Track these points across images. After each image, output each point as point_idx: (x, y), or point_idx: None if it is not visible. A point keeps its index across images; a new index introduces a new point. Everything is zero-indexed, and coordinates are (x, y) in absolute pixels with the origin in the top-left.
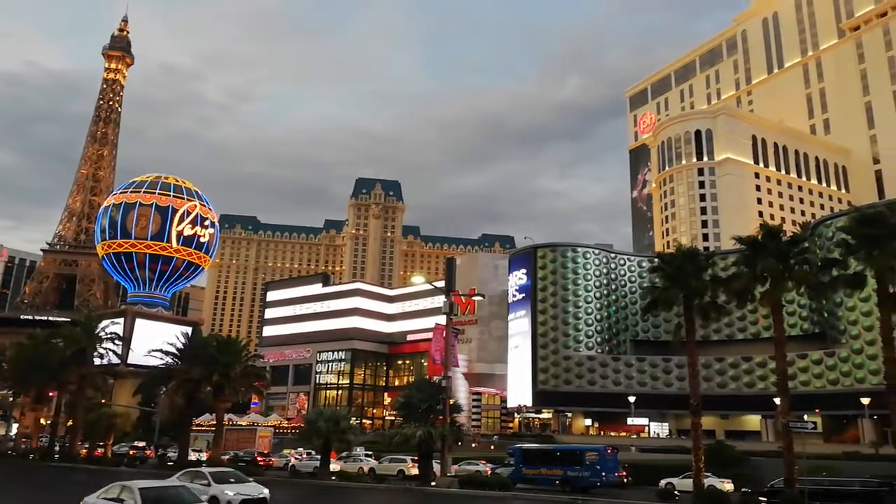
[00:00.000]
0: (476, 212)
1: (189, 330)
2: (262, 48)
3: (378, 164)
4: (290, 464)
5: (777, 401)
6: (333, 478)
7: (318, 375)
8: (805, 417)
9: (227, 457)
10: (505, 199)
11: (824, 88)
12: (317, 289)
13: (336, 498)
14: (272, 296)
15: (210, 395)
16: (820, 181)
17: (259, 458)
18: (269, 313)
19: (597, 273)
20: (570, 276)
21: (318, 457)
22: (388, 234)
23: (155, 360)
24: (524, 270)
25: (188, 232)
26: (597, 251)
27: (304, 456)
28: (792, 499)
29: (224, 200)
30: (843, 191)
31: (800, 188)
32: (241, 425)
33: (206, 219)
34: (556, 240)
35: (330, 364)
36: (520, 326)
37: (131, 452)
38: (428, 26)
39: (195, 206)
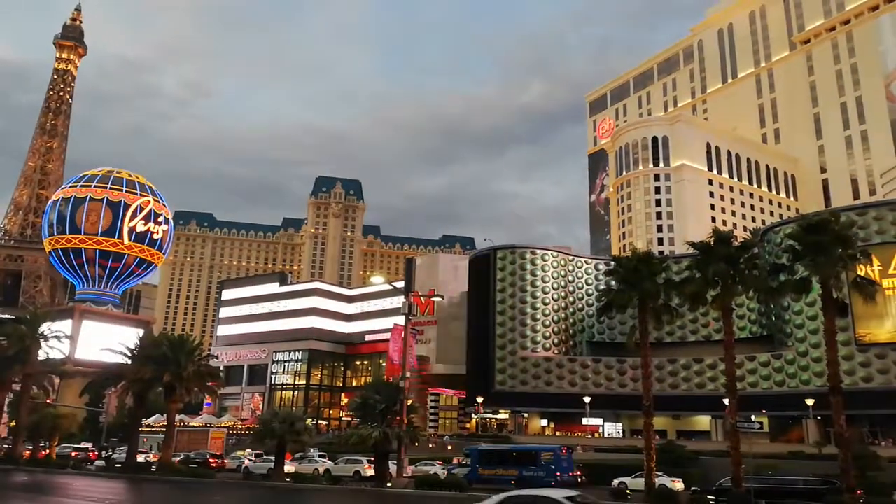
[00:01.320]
0: (437, 213)
1: (140, 329)
2: (219, 42)
3: (338, 163)
4: (244, 465)
5: (726, 401)
6: (288, 479)
7: (273, 376)
8: (752, 418)
9: (177, 458)
10: (466, 201)
11: (776, 99)
12: (274, 288)
13: (290, 500)
14: (227, 294)
15: (161, 396)
16: (770, 189)
17: (211, 460)
18: (224, 312)
19: (555, 275)
20: (529, 278)
21: (273, 458)
22: (348, 234)
23: (104, 360)
24: (483, 272)
25: (141, 228)
26: (555, 254)
27: (259, 458)
28: (738, 497)
29: (179, 197)
30: (792, 198)
31: (751, 195)
32: (193, 426)
33: (160, 215)
34: (516, 242)
35: (286, 364)
36: (478, 327)
37: (73, 454)
38: (388, 27)
39: (148, 201)
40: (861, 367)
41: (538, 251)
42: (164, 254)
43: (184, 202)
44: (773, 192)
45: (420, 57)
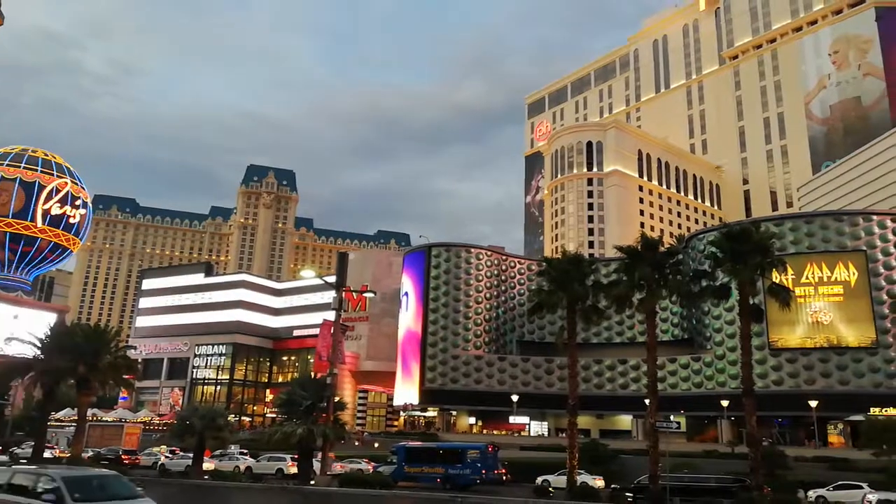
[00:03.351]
0: (373, 207)
1: (53, 317)
2: (151, 21)
3: (272, 152)
4: (160, 462)
5: (647, 402)
6: (206, 477)
7: (195, 370)
8: (671, 418)
9: (88, 455)
10: (402, 197)
11: (704, 111)
12: (198, 279)
13: (206, 497)
14: (149, 284)
15: (73, 389)
16: (696, 197)
17: (124, 457)
18: (145, 302)
19: (488, 274)
20: (463, 277)
21: (190, 455)
22: (280, 225)
23: (11, 350)
24: (417, 269)
25: (56, 211)
26: (489, 253)
27: (175, 454)
28: (655, 494)
29: (100, 179)
30: (716, 207)
31: (678, 202)
32: (106, 421)
33: (78, 198)
34: (452, 240)
35: (209, 358)
36: (410, 324)
37: None
38: (331, 16)
39: (66, 183)
40: (773, 371)
41: (473, 250)
42: (80, 239)
43: (105, 185)
44: (699, 200)
45: (362, 49)
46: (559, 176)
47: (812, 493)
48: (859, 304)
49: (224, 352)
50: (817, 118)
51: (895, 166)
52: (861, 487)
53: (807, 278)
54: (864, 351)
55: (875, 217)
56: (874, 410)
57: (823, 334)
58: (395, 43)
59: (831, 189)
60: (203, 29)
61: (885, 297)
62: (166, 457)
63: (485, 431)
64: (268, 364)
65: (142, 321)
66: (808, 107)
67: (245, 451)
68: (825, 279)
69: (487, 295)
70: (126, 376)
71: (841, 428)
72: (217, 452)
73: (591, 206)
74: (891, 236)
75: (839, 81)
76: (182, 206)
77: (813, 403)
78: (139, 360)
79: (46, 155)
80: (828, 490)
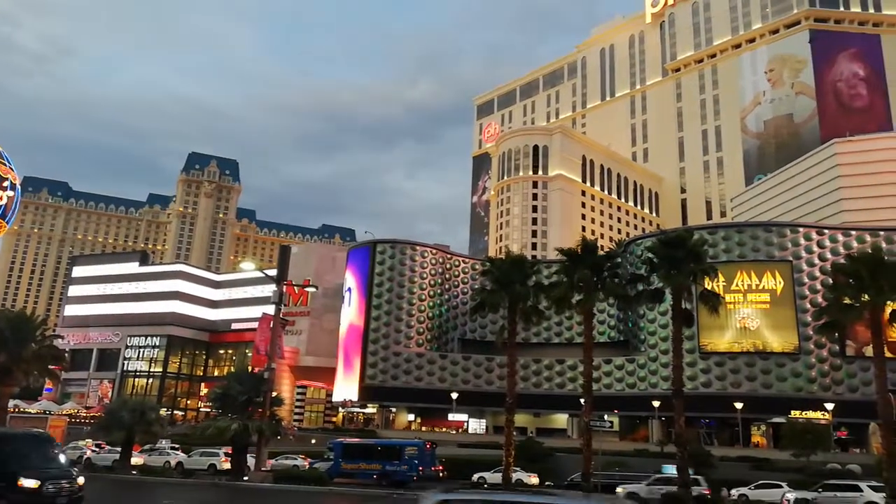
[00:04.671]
0: (318, 201)
1: None
2: (91, 0)
3: (215, 141)
4: (85, 456)
5: (583, 401)
6: (135, 472)
7: (126, 362)
8: (605, 417)
9: None
10: (349, 192)
11: (647, 120)
12: (133, 267)
13: (132, 493)
14: (79, 271)
15: None
16: (636, 204)
17: None
18: (74, 291)
19: (432, 272)
20: (407, 274)
21: (118, 449)
22: (221, 216)
23: None
24: (361, 264)
25: None
26: (434, 251)
27: (102, 448)
28: (586, 491)
29: (30, 161)
30: (655, 214)
31: (618, 208)
32: (29, 413)
33: (6, 179)
34: (397, 237)
35: (142, 350)
36: (352, 320)
37: None
38: (279, 6)
39: None
40: (702, 374)
41: (418, 247)
42: (7, 223)
43: (36, 168)
44: (639, 207)
45: (312, 41)
46: (506, 178)
47: (735, 492)
48: (784, 311)
49: (158, 344)
50: (752, 132)
51: (822, 181)
52: (780, 487)
53: (736, 285)
54: (787, 356)
55: (801, 229)
56: (794, 413)
57: (750, 339)
58: (347, 37)
59: (762, 201)
60: (147, 12)
61: (808, 305)
62: (92, 451)
63: (424, 429)
64: (203, 357)
65: (71, 310)
66: (743, 121)
67: (177, 445)
68: (753, 287)
69: (431, 293)
70: (52, 367)
71: (764, 429)
72: (147, 447)
73: (535, 209)
74: (815, 248)
75: (773, 98)
76: (118, 193)
77: (738, 405)
78: (66, 351)
79: None
80: (749, 489)
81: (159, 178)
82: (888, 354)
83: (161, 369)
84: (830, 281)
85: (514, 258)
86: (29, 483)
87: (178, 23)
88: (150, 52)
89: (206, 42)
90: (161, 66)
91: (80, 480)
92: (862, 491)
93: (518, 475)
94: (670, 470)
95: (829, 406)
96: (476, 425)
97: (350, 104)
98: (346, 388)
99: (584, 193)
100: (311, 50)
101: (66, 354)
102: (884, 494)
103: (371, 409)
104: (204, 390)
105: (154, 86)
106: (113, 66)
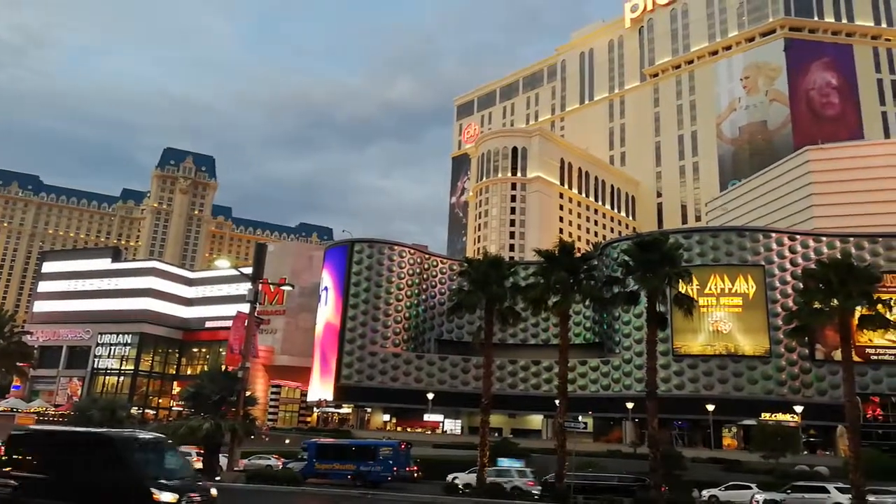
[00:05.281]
0: (296, 199)
1: None
2: None
3: (192, 137)
4: None
5: (558, 402)
6: None
7: (97, 359)
8: (580, 418)
9: None
10: (327, 190)
11: (625, 124)
12: (105, 264)
13: None
14: (49, 267)
15: None
16: (613, 207)
17: None
18: (44, 286)
19: (410, 272)
20: (385, 274)
21: None
22: (196, 212)
23: None
24: (339, 264)
25: None
26: (412, 251)
27: None
28: (560, 492)
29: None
30: (631, 218)
31: (596, 211)
32: None
33: None
34: (375, 236)
35: (113, 348)
36: (329, 319)
37: None
38: (260, 2)
39: None
40: (675, 376)
41: (396, 247)
42: None
43: (6, 161)
44: (616, 210)
45: (292, 37)
46: (485, 179)
47: (706, 493)
48: (756, 315)
49: (130, 341)
50: (727, 138)
51: (795, 188)
52: (750, 488)
53: (710, 289)
54: (758, 360)
55: (774, 234)
56: (765, 415)
57: (723, 342)
58: (327, 34)
59: (736, 206)
60: (124, 4)
61: (779, 309)
62: None
63: (399, 429)
64: (176, 355)
65: (40, 306)
66: (719, 127)
67: None
68: (726, 290)
69: (409, 293)
70: (20, 364)
71: (735, 431)
72: None
73: (513, 210)
74: (787, 253)
75: (748, 105)
76: (91, 187)
77: (710, 407)
78: (35, 347)
79: None
80: (720, 490)
81: (133, 173)
82: (856, 359)
83: (133, 367)
84: (801, 286)
85: (492, 259)
86: (167, 498)
87: (155, 15)
88: (126, 45)
89: (184, 35)
90: (137, 60)
91: (214, 492)
92: (829, 492)
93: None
94: (505, 462)
95: (799, 409)
96: (452, 426)
97: (329, 101)
98: (321, 387)
99: (561, 196)
100: (290, 46)
101: (35, 351)
102: (850, 496)
103: (346, 410)
104: (176, 389)
105: (130, 79)
106: (88, 58)
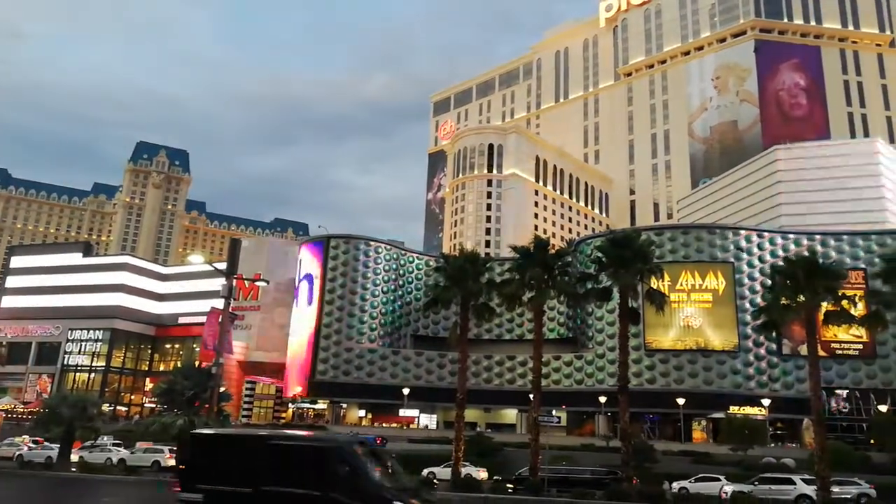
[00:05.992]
0: (270, 194)
1: None
2: None
3: (165, 130)
4: (18, 452)
5: (532, 396)
6: (74, 469)
7: (67, 355)
8: (553, 412)
9: None
10: (302, 186)
11: (599, 123)
12: (76, 259)
13: (67, 491)
14: (18, 262)
15: None
16: (587, 204)
17: None
18: (12, 282)
19: (386, 268)
20: (361, 269)
21: (55, 446)
22: (169, 207)
23: None
24: (314, 259)
25: None
26: (388, 247)
27: (38, 444)
28: (533, 485)
29: None
30: (605, 215)
31: (570, 208)
32: None
33: None
34: (351, 232)
35: (84, 344)
36: (304, 315)
37: None
38: None
39: None
40: (647, 370)
41: (372, 243)
42: None
43: None
44: (589, 207)
45: (267, 31)
46: (461, 175)
47: (676, 485)
48: (725, 311)
49: (101, 337)
50: (699, 137)
51: (763, 186)
52: (719, 480)
53: (681, 285)
54: (727, 354)
55: (743, 231)
56: (733, 409)
57: (693, 338)
58: (302, 28)
59: (707, 204)
60: None
61: (748, 305)
62: (29, 447)
63: (375, 424)
64: (149, 351)
65: (8, 301)
66: (691, 126)
67: (119, 442)
68: (697, 287)
69: (385, 289)
70: None
71: (704, 424)
72: (88, 443)
73: (489, 207)
74: (755, 250)
75: (719, 105)
76: (62, 181)
77: (681, 401)
78: (3, 344)
79: None
80: (690, 482)
81: (105, 168)
82: (821, 353)
83: (104, 364)
84: (769, 282)
85: (468, 255)
86: None
87: (129, 7)
88: (99, 36)
89: (158, 28)
90: (110, 52)
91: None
92: (795, 484)
93: (467, 470)
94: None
95: (766, 402)
96: (427, 421)
97: (304, 96)
98: (296, 383)
99: (537, 193)
100: (264, 40)
101: (3, 348)
102: (815, 487)
103: (322, 405)
104: (149, 385)
105: (102, 72)
106: (60, 51)
